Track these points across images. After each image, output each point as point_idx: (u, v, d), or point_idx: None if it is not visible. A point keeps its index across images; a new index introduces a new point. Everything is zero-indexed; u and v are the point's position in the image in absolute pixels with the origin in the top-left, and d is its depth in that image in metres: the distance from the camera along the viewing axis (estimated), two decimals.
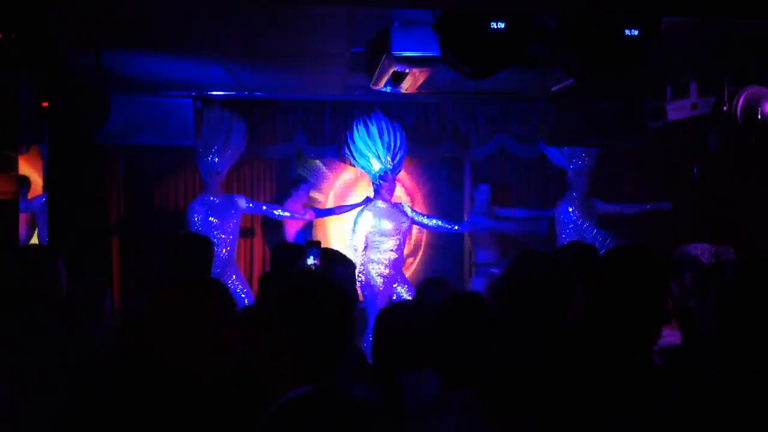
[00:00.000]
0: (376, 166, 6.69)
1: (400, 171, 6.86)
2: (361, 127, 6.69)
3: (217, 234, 6.34)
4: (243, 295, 6.41)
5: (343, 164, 7.42)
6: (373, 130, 6.67)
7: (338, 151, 7.06)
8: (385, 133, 6.67)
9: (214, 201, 6.55)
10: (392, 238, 6.58)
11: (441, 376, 2.28)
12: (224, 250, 6.44)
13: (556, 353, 2.45)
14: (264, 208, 6.85)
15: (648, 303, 2.28)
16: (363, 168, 6.81)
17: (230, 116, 6.65)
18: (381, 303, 6.15)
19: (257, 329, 1.88)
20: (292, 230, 7.08)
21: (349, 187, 7.71)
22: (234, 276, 6.56)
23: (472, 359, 2.23)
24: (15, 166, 4.92)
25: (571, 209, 6.91)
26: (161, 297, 2.13)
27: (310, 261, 3.76)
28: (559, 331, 2.55)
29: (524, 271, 2.60)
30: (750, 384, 2.18)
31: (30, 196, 6.82)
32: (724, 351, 2.31)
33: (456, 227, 7.00)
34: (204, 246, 3.91)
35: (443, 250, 7.57)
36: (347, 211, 7.03)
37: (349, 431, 1.75)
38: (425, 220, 6.92)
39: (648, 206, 6.98)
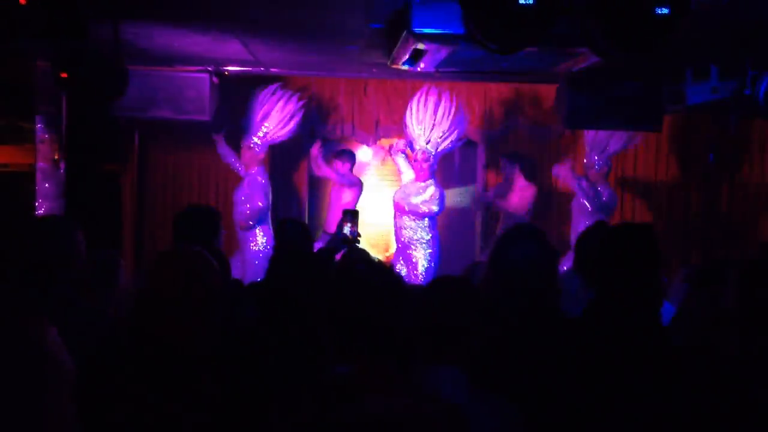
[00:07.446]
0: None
1: None
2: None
3: None
4: None
5: (356, 144, 7.37)
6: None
7: (353, 130, 7.01)
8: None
9: None
10: None
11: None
12: None
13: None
14: None
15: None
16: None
17: None
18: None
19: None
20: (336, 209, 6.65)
21: (361, 167, 7.68)
22: None
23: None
24: (32, 138, 4.92)
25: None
26: (152, 269, 2.13)
27: (346, 230, 3.73)
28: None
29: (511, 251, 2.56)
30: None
31: None
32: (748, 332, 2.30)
33: None
34: (207, 216, 3.84)
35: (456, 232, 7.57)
36: None
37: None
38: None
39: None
